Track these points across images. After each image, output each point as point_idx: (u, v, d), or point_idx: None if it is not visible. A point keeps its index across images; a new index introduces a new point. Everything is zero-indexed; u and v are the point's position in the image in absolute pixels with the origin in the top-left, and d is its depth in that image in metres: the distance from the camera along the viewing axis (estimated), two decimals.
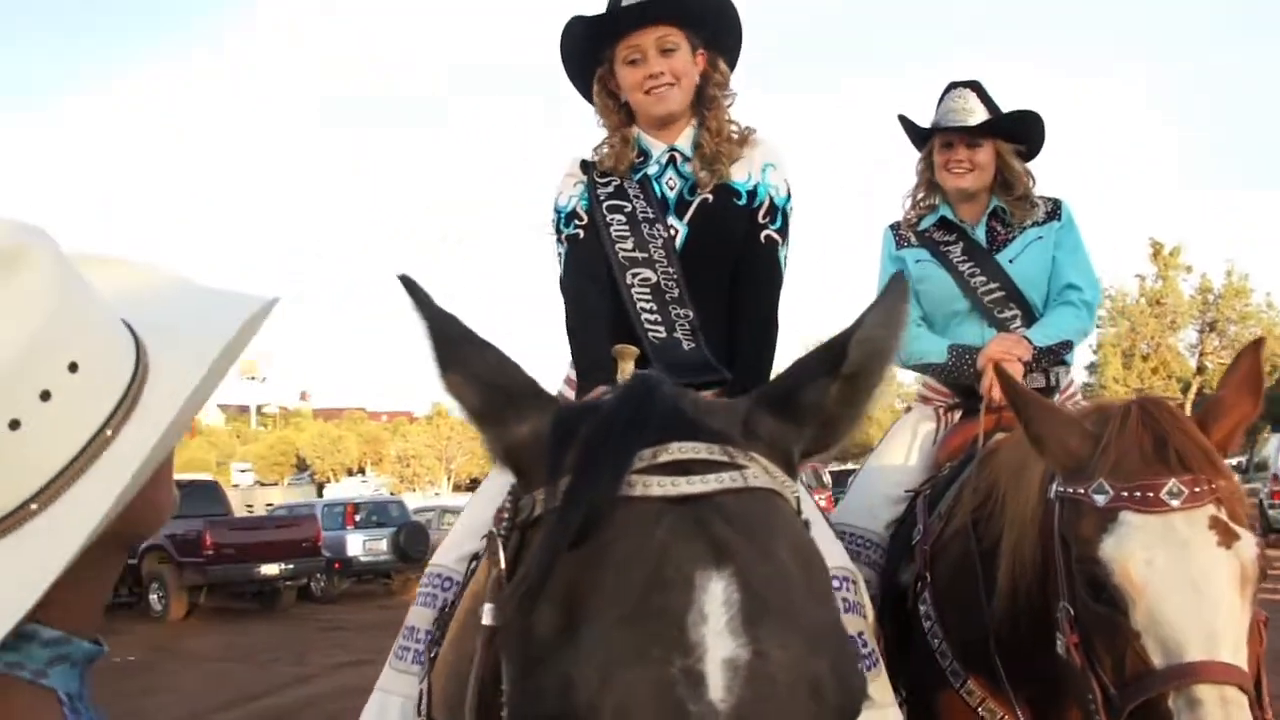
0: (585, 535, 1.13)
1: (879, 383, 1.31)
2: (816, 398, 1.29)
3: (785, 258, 2.94)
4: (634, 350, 2.71)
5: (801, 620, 1.12)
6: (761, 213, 2.90)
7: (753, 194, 2.91)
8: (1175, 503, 2.17)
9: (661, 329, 2.82)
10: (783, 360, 3.04)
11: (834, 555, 2.66)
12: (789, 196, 2.95)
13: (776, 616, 1.10)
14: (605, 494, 1.14)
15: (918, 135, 3.79)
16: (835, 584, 2.57)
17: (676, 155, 2.95)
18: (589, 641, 1.08)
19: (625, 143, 2.96)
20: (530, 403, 1.30)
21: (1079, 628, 2.28)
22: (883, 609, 3.16)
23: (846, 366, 1.28)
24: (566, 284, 2.90)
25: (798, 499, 1.28)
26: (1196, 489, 2.18)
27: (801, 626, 1.12)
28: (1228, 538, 2.16)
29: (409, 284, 1.32)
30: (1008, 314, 3.56)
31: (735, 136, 2.95)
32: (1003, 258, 3.61)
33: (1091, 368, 45.91)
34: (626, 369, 2.76)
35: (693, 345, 2.83)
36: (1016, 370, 3.26)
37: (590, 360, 2.70)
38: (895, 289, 1.34)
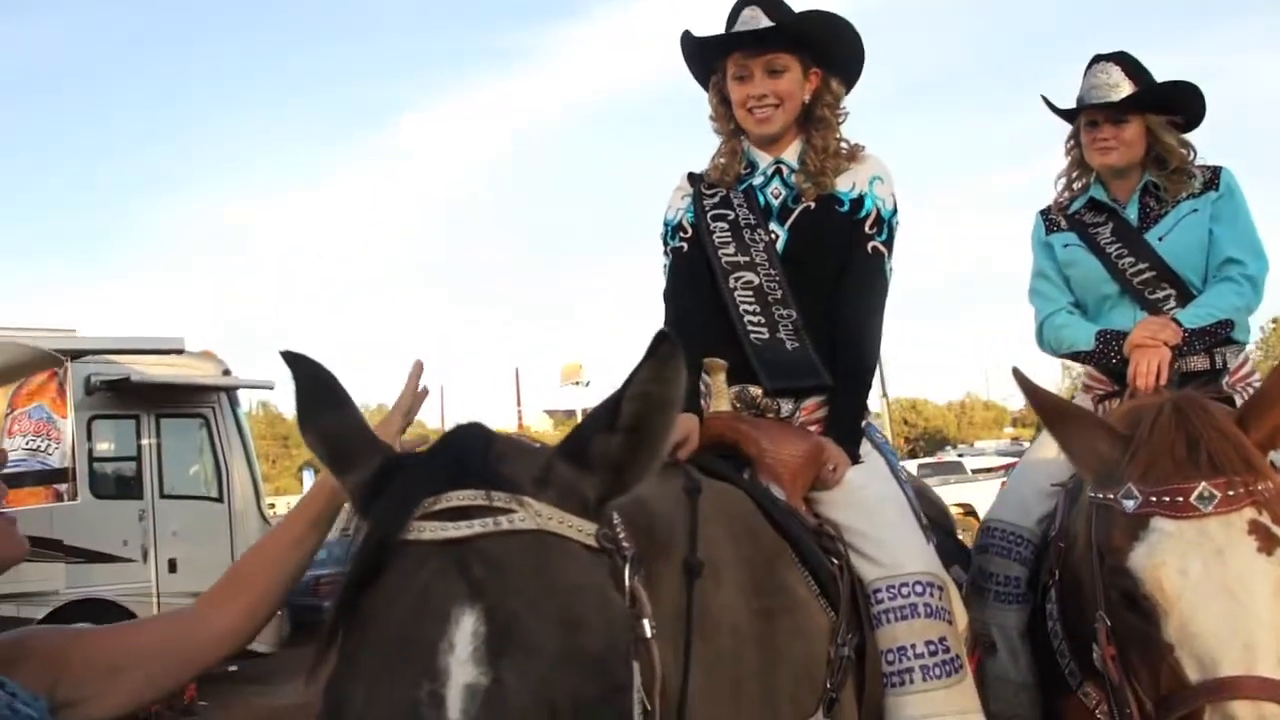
0: (375, 573, 1.33)
1: (662, 433, 1.48)
2: (601, 449, 1.46)
3: (890, 270, 2.96)
4: (721, 364, 2.86)
5: (546, 651, 1.25)
6: (868, 223, 2.93)
7: (857, 203, 2.94)
8: (1207, 508, 2.07)
9: (765, 330, 2.89)
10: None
11: (916, 561, 2.68)
12: (895, 210, 2.97)
13: (518, 648, 1.24)
14: (389, 538, 1.33)
15: (1064, 114, 3.64)
16: (919, 590, 2.61)
17: (783, 168, 3.02)
18: (360, 666, 1.28)
19: (733, 154, 3.05)
20: (365, 456, 1.50)
21: (1114, 639, 2.20)
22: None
23: (621, 420, 1.45)
24: (668, 298, 3.03)
25: (596, 536, 1.45)
26: (1231, 492, 2.07)
27: (545, 657, 1.26)
28: (1269, 543, 2.03)
29: (289, 358, 1.59)
30: (1160, 295, 3.37)
31: (843, 152, 2.99)
32: (1152, 235, 3.41)
33: None
34: (717, 382, 2.89)
35: (797, 345, 2.88)
36: (1163, 356, 3.10)
37: None
38: (663, 348, 1.45)
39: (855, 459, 2.82)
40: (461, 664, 1.23)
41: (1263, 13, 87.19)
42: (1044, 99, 3.60)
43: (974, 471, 26.57)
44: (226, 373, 13.08)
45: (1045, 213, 3.69)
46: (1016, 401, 49.12)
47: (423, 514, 1.36)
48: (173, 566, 11.77)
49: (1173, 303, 3.34)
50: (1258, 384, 3.26)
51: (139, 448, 12.14)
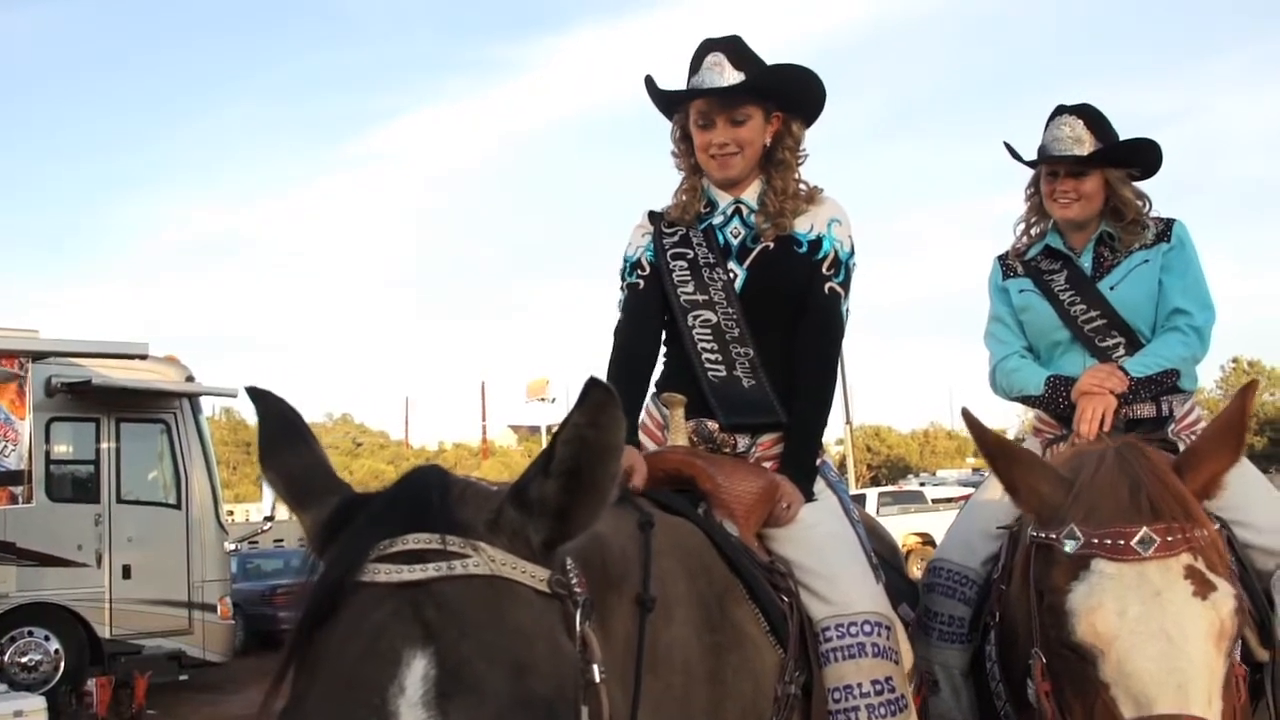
0: (328, 614, 1.34)
1: (605, 480, 1.48)
2: (539, 494, 1.48)
3: (847, 310, 3.01)
4: (680, 398, 2.90)
5: (495, 695, 1.28)
6: (826, 265, 2.97)
7: (815, 244, 2.98)
8: (1147, 551, 2.12)
9: (722, 368, 2.93)
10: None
11: (864, 600, 2.72)
12: (853, 252, 3.02)
13: (468, 692, 1.26)
14: (344, 579, 1.36)
15: (1025, 162, 3.70)
16: (867, 629, 2.66)
17: (742, 208, 3.06)
18: (310, 706, 1.29)
19: (694, 192, 3.08)
20: (323, 495, 1.53)
21: (1049, 676, 2.24)
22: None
23: (556, 464, 1.46)
24: (619, 333, 3.05)
25: (549, 581, 1.47)
26: (1170, 538, 2.12)
27: (494, 701, 1.28)
28: (1204, 588, 2.09)
29: (253, 394, 1.63)
30: (1110, 342, 3.44)
31: (802, 194, 3.04)
32: (1104, 285, 3.49)
33: None
34: (675, 416, 2.93)
35: (754, 383, 2.92)
36: (1107, 403, 3.16)
37: None
38: (595, 394, 1.46)
39: (809, 496, 2.86)
40: (411, 707, 1.25)
41: (1240, 51, 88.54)
42: (1006, 146, 3.66)
43: (934, 501, 26.72)
44: (190, 379, 13.00)
45: (1003, 258, 3.76)
46: None
47: (378, 556, 1.38)
48: (127, 573, 11.66)
49: (1122, 350, 3.41)
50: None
51: (98, 451, 12.04)
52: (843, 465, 42.07)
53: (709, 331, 2.94)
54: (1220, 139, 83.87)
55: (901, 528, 20.87)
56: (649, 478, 2.72)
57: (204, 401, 13.55)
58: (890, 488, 32.34)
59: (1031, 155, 3.63)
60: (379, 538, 1.39)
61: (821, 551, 2.78)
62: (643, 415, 3.07)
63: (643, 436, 3.03)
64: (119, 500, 12.07)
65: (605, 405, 1.46)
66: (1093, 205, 3.52)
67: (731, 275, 2.98)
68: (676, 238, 3.06)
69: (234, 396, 14.27)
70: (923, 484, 35.64)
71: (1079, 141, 3.49)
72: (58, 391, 11.55)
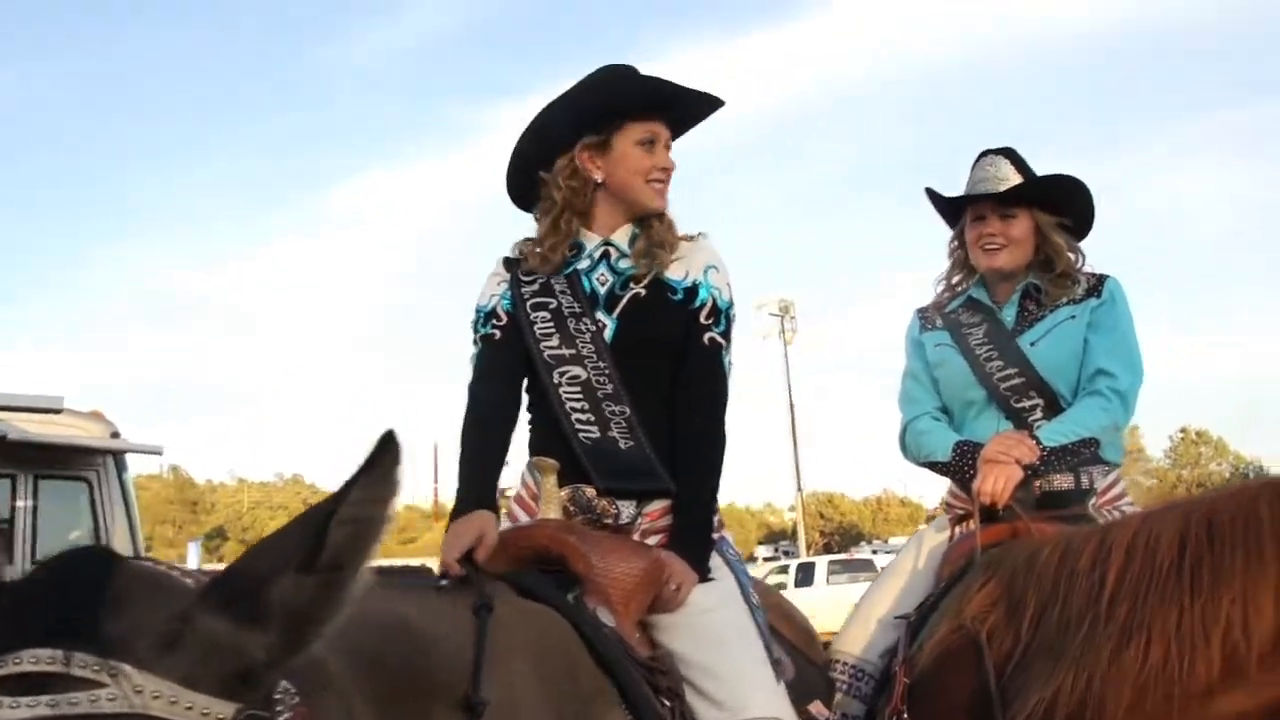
0: None
1: (363, 567, 1.09)
2: (286, 595, 1.08)
3: (730, 363, 2.74)
4: (552, 464, 2.59)
5: None
6: (704, 314, 2.71)
7: (691, 292, 2.72)
8: None
9: (595, 428, 2.63)
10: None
11: (760, 702, 2.42)
12: (732, 302, 2.76)
13: None
14: None
15: (947, 210, 3.42)
16: None
17: (611, 250, 2.77)
18: None
19: (562, 235, 2.77)
20: None
21: None
22: None
23: (325, 555, 1.07)
24: (474, 389, 2.73)
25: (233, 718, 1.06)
26: None
27: None
28: None
29: None
30: (1027, 404, 3.12)
31: (677, 237, 2.79)
32: (1024, 340, 3.18)
33: None
34: (547, 484, 2.60)
35: (631, 444, 2.62)
36: (1011, 474, 2.88)
37: (463, 498, 2.50)
38: (384, 453, 1.10)
39: (703, 575, 2.54)
40: None
41: (1190, 123, 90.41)
42: (928, 191, 3.39)
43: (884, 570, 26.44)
44: (115, 435, 12.47)
45: (922, 311, 3.46)
46: (933, 499, 49.49)
47: None
48: None
49: (1039, 414, 3.10)
50: (1127, 506, 3.06)
51: (13, 509, 11.46)
52: (794, 533, 42.02)
53: (578, 389, 2.65)
54: (1166, 207, 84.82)
55: (851, 597, 20.59)
56: (513, 557, 2.39)
57: (148, 459, 13.01)
58: (840, 556, 32.10)
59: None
60: None
61: (714, 643, 2.46)
62: (518, 487, 2.77)
63: (517, 510, 2.72)
64: (34, 560, 11.49)
65: (391, 473, 1.11)
66: (1021, 252, 3.23)
67: (600, 325, 2.69)
68: (537, 286, 2.76)
69: (159, 454, 13.74)
70: (875, 552, 35.34)
71: (1005, 180, 3.22)
72: None
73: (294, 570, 1.08)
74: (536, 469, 2.63)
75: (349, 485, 1.10)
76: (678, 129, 2.81)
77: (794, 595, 24.80)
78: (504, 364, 2.72)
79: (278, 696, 1.15)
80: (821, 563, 26.59)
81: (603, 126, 2.72)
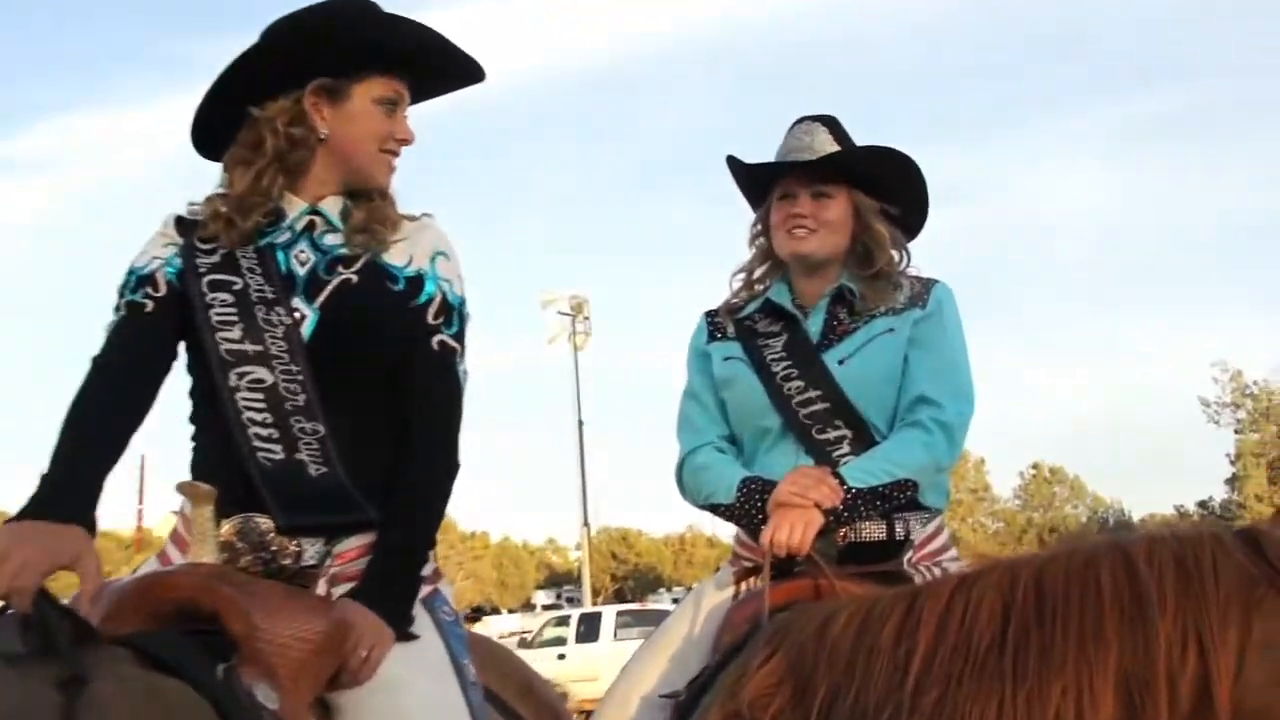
0: None
1: None
2: None
3: (465, 373, 2.68)
4: (207, 490, 2.41)
5: None
6: (432, 312, 2.64)
7: (415, 283, 2.65)
8: None
9: (278, 447, 2.49)
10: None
11: None
12: (464, 299, 2.71)
13: None
14: None
15: (751, 186, 3.36)
16: None
17: (317, 221, 2.66)
18: None
19: (262, 195, 2.62)
20: None
21: None
22: None
23: None
24: (95, 367, 2.51)
25: None
26: None
27: None
28: None
29: None
30: (831, 435, 3.05)
31: (400, 214, 2.74)
32: (832, 356, 3.11)
33: (1231, 481, 45.66)
34: (200, 517, 2.41)
35: (325, 470, 2.50)
36: (808, 519, 2.82)
37: (43, 500, 2.18)
38: None
39: (402, 634, 2.43)
40: None
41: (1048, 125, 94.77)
42: (730, 160, 3.31)
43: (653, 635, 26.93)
44: None
45: (711, 315, 3.37)
46: None
47: None
48: None
49: (846, 447, 3.04)
50: (951, 562, 3.05)
51: None
52: (579, 576, 42.08)
53: (261, 396, 2.50)
54: (1025, 217, 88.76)
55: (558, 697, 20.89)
56: (150, 613, 2.22)
57: None
58: (632, 605, 32.42)
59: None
60: None
61: None
62: (176, 521, 2.63)
63: (172, 550, 2.58)
64: None
65: None
66: (835, 239, 3.17)
67: (298, 317, 2.56)
68: (218, 258, 2.60)
69: None
70: (676, 600, 35.84)
71: (820, 152, 3.18)
72: None
73: None
74: (187, 495, 2.46)
75: None
76: (417, 96, 2.77)
77: (576, 652, 24.92)
78: (146, 344, 2.55)
79: None
80: (609, 613, 26.77)
81: (342, 71, 2.63)
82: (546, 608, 35.94)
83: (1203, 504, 50.64)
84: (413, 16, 2.70)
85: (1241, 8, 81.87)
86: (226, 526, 2.44)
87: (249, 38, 2.66)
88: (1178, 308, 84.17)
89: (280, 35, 2.64)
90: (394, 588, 2.47)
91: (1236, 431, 45.23)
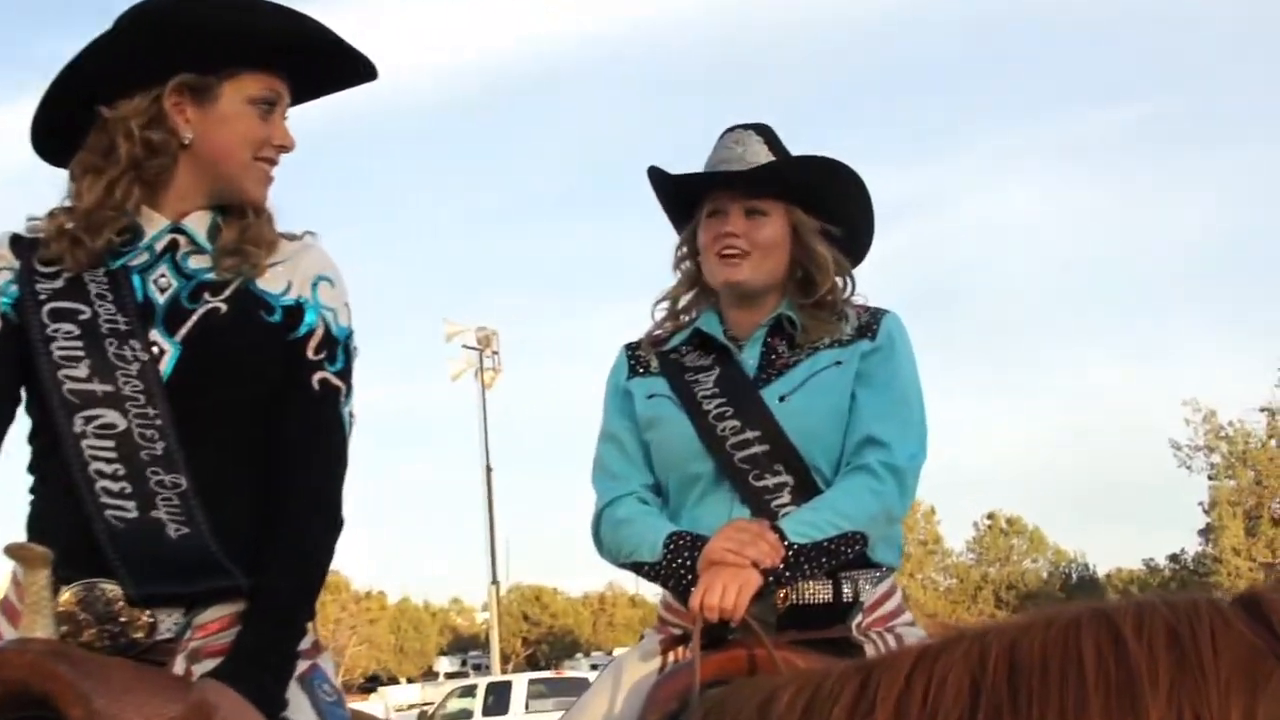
0: None
1: None
2: None
3: (351, 416, 2.67)
4: (41, 552, 2.35)
5: None
6: (313, 346, 2.63)
7: (294, 313, 2.63)
8: None
9: (131, 503, 2.46)
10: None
11: None
12: (351, 331, 2.69)
13: None
14: None
15: (675, 202, 3.33)
16: None
17: (180, 240, 2.63)
18: None
19: (114, 209, 2.57)
20: None
21: None
22: None
23: None
24: None
25: None
26: None
27: None
28: None
29: None
30: (770, 481, 3.02)
31: (276, 234, 2.71)
32: (771, 393, 3.08)
33: (1206, 532, 46.40)
34: (33, 583, 2.36)
35: (186, 531, 2.47)
36: (744, 580, 2.77)
37: None
38: None
39: (271, 714, 2.39)
40: None
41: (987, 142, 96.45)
42: (652, 172, 3.28)
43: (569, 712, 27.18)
44: None
45: (631, 348, 3.34)
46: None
47: None
48: None
49: (787, 495, 3.01)
50: (905, 628, 3.04)
51: None
52: (487, 641, 42.11)
53: (112, 444, 2.47)
54: (971, 239, 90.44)
55: None
56: None
57: None
58: (546, 673, 32.44)
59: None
60: None
61: None
62: (8, 588, 2.57)
63: (2, 623, 2.54)
64: None
65: None
66: (771, 264, 3.14)
67: (156, 352, 2.53)
68: (61, 283, 2.57)
69: None
70: (595, 666, 35.91)
71: (754, 163, 3.15)
72: None
73: None
74: (17, 559, 2.39)
75: None
76: (298, 96, 2.75)
77: None
78: None
79: None
80: (520, 682, 26.80)
81: (209, 66, 2.58)
82: (450, 676, 35.95)
83: (1174, 557, 51.71)
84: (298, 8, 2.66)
85: (1208, 18, 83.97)
86: (66, 594, 2.39)
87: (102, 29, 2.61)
88: (1143, 340, 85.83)
89: (136, 22, 2.58)
90: (265, 664, 2.42)
91: (1210, 477, 45.85)
